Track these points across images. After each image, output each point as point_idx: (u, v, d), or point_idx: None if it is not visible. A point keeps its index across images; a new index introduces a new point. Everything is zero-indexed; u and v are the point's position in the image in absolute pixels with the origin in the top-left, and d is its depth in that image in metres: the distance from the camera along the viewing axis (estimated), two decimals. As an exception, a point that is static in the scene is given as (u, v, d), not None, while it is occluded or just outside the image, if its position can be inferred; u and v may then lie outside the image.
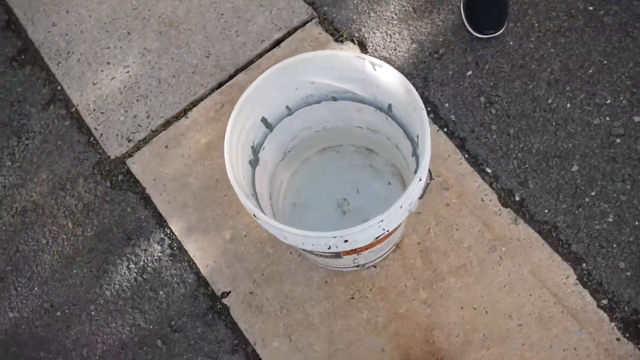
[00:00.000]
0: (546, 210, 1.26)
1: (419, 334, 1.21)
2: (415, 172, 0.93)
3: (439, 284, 1.24)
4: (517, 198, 1.28)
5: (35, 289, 1.36)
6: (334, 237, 0.82)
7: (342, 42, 1.45)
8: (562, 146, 1.30)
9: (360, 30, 1.46)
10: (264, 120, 1.04)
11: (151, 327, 1.30)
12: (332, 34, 1.46)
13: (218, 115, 1.42)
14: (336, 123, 1.19)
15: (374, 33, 1.45)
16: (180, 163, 1.40)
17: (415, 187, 0.86)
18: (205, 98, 1.45)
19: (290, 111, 1.09)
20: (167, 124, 1.44)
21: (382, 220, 0.83)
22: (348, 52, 0.93)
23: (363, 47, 1.44)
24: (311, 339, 1.23)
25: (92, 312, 1.33)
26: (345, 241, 0.84)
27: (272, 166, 1.18)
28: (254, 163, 1.06)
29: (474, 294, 1.21)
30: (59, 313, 1.33)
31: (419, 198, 0.92)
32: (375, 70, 0.94)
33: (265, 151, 1.11)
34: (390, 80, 0.93)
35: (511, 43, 1.40)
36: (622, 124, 1.30)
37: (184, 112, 1.44)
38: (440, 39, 1.43)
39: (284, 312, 1.25)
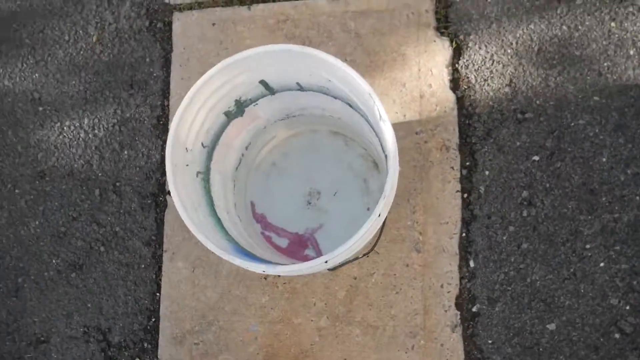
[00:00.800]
0: (490, 342, 1.12)
1: (294, 351, 1.18)
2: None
3: (342, 325, 1.17)
4: (474, 309, 1.13)
5: (36, 75, 1.39)
6: (274, 268, 0.78)
7: (440, 34, 1.22)
8: (558, 297, 1.11)
9: (469, 35, 1.22)
10: (263, 82, 0.92)
11: (99, 174, 1.33)
12: (438, 20, 1.23)
13: (275, 28, 1.28)
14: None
15: (479, 48, 1.21)
16: (213, 48, 1.30)
17: (367, 232, 0.76)
18: (275, 1, 1.30)
19: (301, 88, 0.96)
20: (230, 1, 1.32)
21: (326, 262, 0.77)
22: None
23: (457, 54, 1.21)
24: (208, 284, 1.23)
25: (64, 127, 1.36)
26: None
27: (264, 121, 1.08)
28: (232, 114, 0.96)
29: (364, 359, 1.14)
30: (41, 108, 1.38)
31: (369, 250, 0.84)
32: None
33: (257, 107, 1.00)
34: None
35: (606, 166, 1.13)
36: (636, 324, 1.08)
37: (252, 2, 1.31)
38: (537, 102, 1.17)
39: (202, 246, 1.24)
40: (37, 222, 1.35)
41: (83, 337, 1.29)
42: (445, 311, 1.13)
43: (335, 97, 0.93)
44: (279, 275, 1.18)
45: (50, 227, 1.34)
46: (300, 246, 1.21)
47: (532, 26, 1.19)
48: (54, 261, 1.33)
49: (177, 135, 0.82)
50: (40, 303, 1.32)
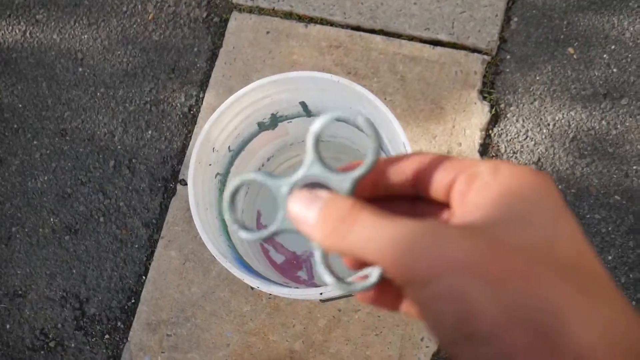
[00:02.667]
0: (456, 408, 1.11)
1: (262, 367, 1.17)
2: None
3: (316, 354, 1.16)
4: (449, 372, 1.12)
5: (85, 36, 1.41)
6: (268, 287, 0.78)
7: (483, 98, 1.24)
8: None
9: (510, 105, 1.23)
10: (302, 103, 0.93)
11: (118, 147, 1.34)
12: (484, 83, 1.24)
13: (325, 51, 1.30)
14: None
15: (516, 120, 1.22)
16: (260, 55, 1.32)
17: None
18: (333, 25, 1.32)
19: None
20: (289, 15, 1.34)
21: (321, 293, 0.77)
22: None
23: (494, 120, 1.22)
24: (195, 280, 1.23)
25: (98, 93, 1.38)
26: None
27: (293, 138, 1.09)
28: (265, 126, 0.98)
29: (331, 392, 1.13)
30: (80, 69, 1.40)
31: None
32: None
33: (291, 125, 1.01)
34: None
35: (610, 265, 1.13)
36: None
37: (310, 20, 1.33)
38: (559, 187, 1.18)
39: (199, 241, 1.24)
40: (45, 177, 1.36)
41: (60, 301, 1.29)
42: (420, 368, 1.13)
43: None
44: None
45: (57, 186, 1.35)
46: (294, 266, 1.21)
47: (572, 113, 1.20)
48: (51, 219, 1.33)
49: (209, 135, 0.82)
50: (28, 257, 1.32)
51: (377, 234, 0.22)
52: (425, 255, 0.20)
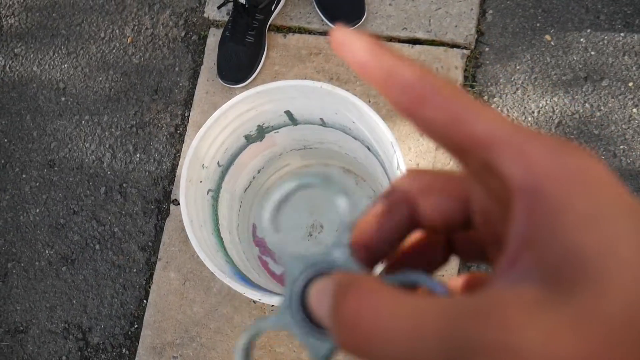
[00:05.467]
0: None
1: (272, 380, 1.16)
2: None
3: (324, 362, 1.16)
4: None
5: (65, 65, 1.41)
6: (270, 299, 0.78)
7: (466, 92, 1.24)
8: None
9: (493, 97, 1.24)
10: (288, 113, 0.93)
11: (108, 172, 1.33)
12: (466, 77, 1.25)
13: (306, 59, 1.30)
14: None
15: (501, 111, 1.23)
16: (242, 69, 1.33)
17: None
18: (312, 33, 1.32)
19: (323, 124, 0.97)
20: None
21: None
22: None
23: (479, 114, 1.23)
24: (197, 299, 1.22)
25: (83, 120, 1.37)
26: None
27: (281, 148, 1.09)
28: (252, 138, 0.98)
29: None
30: (63, 99, 1.39)
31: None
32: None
33: (278, 135, 1.02)
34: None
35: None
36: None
37: (288, 30, 1.34)
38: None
39: (197, 259, 1.24)
40: (37, 210, 1.35)
41: (62, 333, 1.28)
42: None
43: (356, 138, 0.95)
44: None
45: (49, 217, 1.34)
46: (294, 276, 1.21)
47: (555, 99, 1.22)
48: (47, 252, 1.32)
49: (197, 151, 0.83)
50: (26, 292, 1.31)
51: (417, 321, 0.15)
52: None
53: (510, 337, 0.13)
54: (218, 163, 0.93)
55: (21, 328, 1.30)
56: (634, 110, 1.18)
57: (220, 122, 0.85)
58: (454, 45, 1.28)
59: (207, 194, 0.92)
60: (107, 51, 1.41)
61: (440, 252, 0.21)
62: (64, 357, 1.27)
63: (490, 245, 0.19)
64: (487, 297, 0.14)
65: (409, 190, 0.20)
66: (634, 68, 1.21)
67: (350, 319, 0.16)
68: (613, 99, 1.20)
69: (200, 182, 0.88)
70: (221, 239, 0.95)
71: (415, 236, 0.21)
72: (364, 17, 1.27)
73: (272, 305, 1.17)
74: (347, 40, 0.18)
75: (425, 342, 0.14)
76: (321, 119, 0.95)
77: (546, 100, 1.22)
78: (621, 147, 1.18)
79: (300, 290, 0.19)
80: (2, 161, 1.39)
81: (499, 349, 0.13)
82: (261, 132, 0.97)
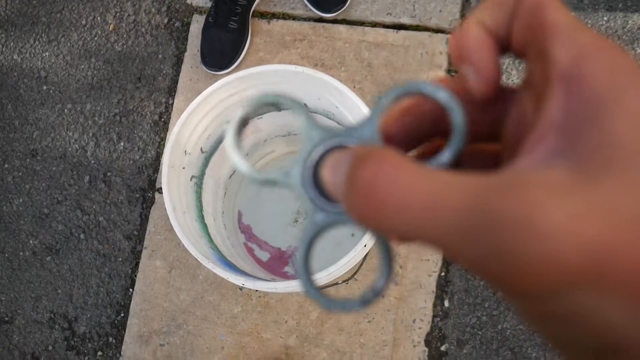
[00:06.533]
0: (454, 384, 1.12)
1: (259, 366, 1.17)
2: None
3: (310, 347, 1.16)
4: (442, 348, 1.14)
5: (46, 54, 1.39)
6: (254, 283, 0.78)
7: (451, 77, 1.25)
8: (526, 347, 1.11)
9: (477, 82, 1.24)
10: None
11: (92, 161, 1.32)
12: (450, 62, 1.26)
13: (290, 45, 1.30)
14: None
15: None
16: (226, 56, 1.32)
17: (349, 262, 0.76)
18: (296, 19, 1.32)
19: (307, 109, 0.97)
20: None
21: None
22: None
23: (463, 99, 1.24)
24: (183, 287, 1.22)
25: (65, 109, 1.36)
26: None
27: (266, 135, 1.09)
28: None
29: (329, 383, 1.14)
30: (45, 87, 1.38)
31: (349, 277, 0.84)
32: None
33: (261, 121, 1.01)
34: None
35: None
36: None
37: (272, 16, 1.33)
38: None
39: (183, 247, 1.23)
40: (20, 200, 1.34)
41: (48, 323, 1.27)
42: (414, 346, 1.14)
43: (339, 123, 0.95)
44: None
45: (33, 207, 1.33)
46: (280, 262, 1.21)
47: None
48: (31, 242, 1.31)
49: (179, 137, 0.82)
50: (11, 282, 1.30)
51: (438, 193, 0.14)
52: (527, 252, 0.13)
53: (534, 213, 0.13)
54: (201, 149, 0.93)
55: (6, 318, 1.29)
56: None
57: (202, 108, 0.85)
58: (438, 30, 1.28)
59: (191, 180, 0.92)
60: (88, 39, 1.39)
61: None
62: (50, 347, 1.26)
63: (508, 153, 0.18)
64: (512, 175, 0.14)
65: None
66: (615, 52, 1.22)
67: (365, 186, 0.15)
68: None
69: (183, 168, 0.88)
70: (205, 225, 0.95)
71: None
72: (348, 2, 1.27)
73: (257, 291, 1.17)
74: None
75: (442, 214, 0.14)
76: (305, 105, 0.95)
77: (529, 85, 1.23)
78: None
79: (317, 159, 0.18)
80: (-16, 151, 1.37)
81: (523, 225, 0.13)
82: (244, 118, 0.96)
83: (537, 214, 0.13)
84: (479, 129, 0.19)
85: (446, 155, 0.18)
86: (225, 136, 0.19)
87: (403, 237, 0.16)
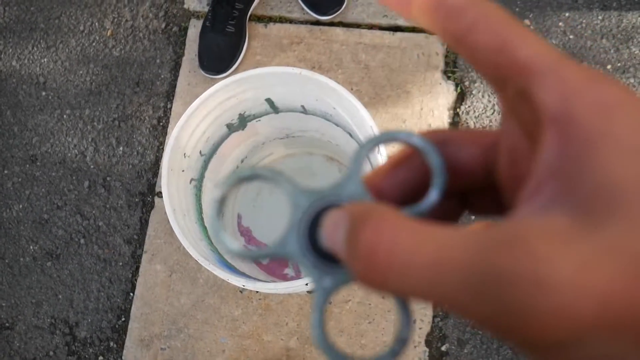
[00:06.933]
0: (455, 384, 1.12)
1: (260, 368, 1.17)
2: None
3: (311, 348, 1.16)
4: (443, 348, 1.14)
5: (44, 60, 1.40)
6: (254, 284, 0.78)
7: (447, 78, 1.25)
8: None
9: (474, 82, 1.25)
10: (269, 100, 0.94)
11: (91, 166, 1.33)
12: (447, 63, 1.26)
13: (287, 48, 1.30)
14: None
15: (482, 96, 1.24)
16: (224, 60, 1.32)
17: None
18: (292, 22, 1.32)
19: (305, 111, 0.98)
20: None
21: (307, 284, 0.78)
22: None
23: (460, 99, 1.24)
24: (183, 290, 1.23)
25: (64, 115, 1.36)
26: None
27: (264, 137, 1.09)
28: (234, 127, 0.98)
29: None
30: (44, 93, 1.38)
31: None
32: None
33: (259, 123, 1.02)
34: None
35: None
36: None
37: (269, 20, 1.33)
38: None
39: (183, 251, 1.24)
40: (20, 206, 1.34)
41: (49, 329, 1.27)
42: (415, 347, 1.14)
43: (337, 125, 0.95)
44: (256, 291, 1.18)
45: (33, 213, 1.33)
46: (280, 264, 1.21)
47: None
48: (31, 247, 1.32)
49: (178, 140, 0.83)
50: (11, 288, 1.30)
51: (439, 252, 0.14)
52: (537, 306, 0.13)
53: (539, 267, 0.12)
54: (200, 152, 0.93)
55: (7, 324, 1.29)
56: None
57: (201, 111, 0.85)
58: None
59: (190, 183, 0.92)
60: (87, 44, 1.39)
61: (454, 206, 0.20)
62: (51, 352, 1.26)
63: (509, 191, 0.18)
64: (513, 227, 0.14)
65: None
66: (611, 51, 1.23)
67: (367, 250, 0.15)
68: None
69: (183, 171, 0.88)
70: (205, 228, 0.95)
71: None
72: (344, 4, 1.27)
73: (257, 292, 1.17)
74: None
75: (448, 273, 0.14)
76: (302, 106, 0.95)
77: (526, 85, 1.23)
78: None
79: (309, 222, 0.18)
80: (-17, 157, 1.37)
81: (528, 280, 0.12)
82: (243, 121, 0.97)
83: (542, 268, 0.12)
84: (472, 177, 0.19)
85: (433, 194, 0.18)
86: (210, 219, 0.20)
87: (407, 297, 0.16)
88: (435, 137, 0.19)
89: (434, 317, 1.15)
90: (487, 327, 0.14)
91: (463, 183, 0.19)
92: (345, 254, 0.16)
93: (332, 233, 0.17)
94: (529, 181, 0.15)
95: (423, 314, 1.15)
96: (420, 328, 1.14)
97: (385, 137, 0.19)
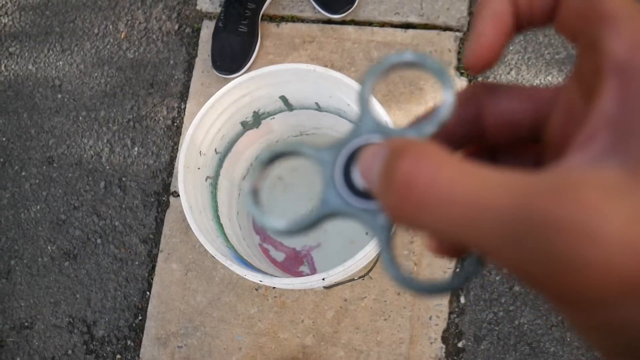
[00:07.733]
0: (472, 380, 1.12)
1: (276, 366, 1.18)
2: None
3: (327, 346, 1.17)
4: (460, 345, 1.13)
5: (60, 63, 1.42)
6: (271, 280, 0.78)
7: (460, 74, 1.25)
8: (544, 342, 1.11)
9: (487, 78, 1.25)
10: (283, 98, 0.94)
11: (107, 167, 1.34)
12: (459, 59, 1.26)
13: (300, 47, 1.31)
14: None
15: (495, 92, 1.24)
16: (236, 60, 1.33)
17: (365, 256, 0.77)
18: (304, 21, 1.33)
19: (319, 108, 0.98)
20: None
21: (323, 279, 0.78)
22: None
23: (473, 96, 1.24)
24: (199, 288, 1.23)
25: (80, 117, 1.38)
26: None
27: (278, 135, 1.10)
28: (249, 125, 0.98)
29: (347, 381, 1.14)
30: (60, 96, 1.40)
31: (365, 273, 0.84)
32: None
33: (274, 121, 1.02)
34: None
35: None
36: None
37: (281, 19, 1.34)
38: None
39: (200, 248, 1.25)
40: (38, 207, 1.36)
41: (67, 328, 1.29)
42: (431, 343, 1.14)
43: (351, 121, 0.96)
44: (273, 287, 1.19)
45: (50, 214, 1.35)
46: (296, 262, 1.22)
47: (549, 78, 1.22)
48: (49, 247, 1.33)
49: (194, 138, 0.83)
50: (30, 288, 1.32)
51: (481, 191, 0.13)
52: (584, 258, 0.12)
53: (589, 218, 0.12)
54: (215, 150, 0.94)
55: (26, 324, 1.31)
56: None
57: (216, 109, 0.86)
58: (446, 28, 1.28)
59: (206, 180, 0.93)
60: (101, 47, 1.41)
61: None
62: (69, 351, 1.28)
63: (556, 149, 0.17)
64: (562, 174, 0.13)
65: (479, 94, 0.19)
66: None
67: (404, 182, 0.14)
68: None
69: (198, 168, 0.89)
70: (221, 225, 0.96)
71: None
72: (356, 3, 1.28)
73: (274, 288, 1.18)
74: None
75: (487, 214, 0.13)
76: (316, 103, 0.96)
77: (540, 80, 1.23)
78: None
79: (342, 172, 0.18)
80: (1, 159, 1.39)
81: (578, 229, 0.12)
82: (257, 119, 0.98)
83: (595, 218, 0.12)
84: (517, 130, 0.19)
85: (447, 95, 0.18)
86: (250, 208, 0.19)
87: (440, 236, 0.15)
88: (489, 86, 0.18)
89: (450, 313, 1.14)
90: (523, 276, 0.13)
91: (505, 134, 0.19)
92: (380, 187, 0.15)
93: (369, 168, 0.16)
94: (582, 130, 0.15)
95: (439, 311, 1.14)
96: (436, 324, 1.14)
97: (383, 67, 0.19)
